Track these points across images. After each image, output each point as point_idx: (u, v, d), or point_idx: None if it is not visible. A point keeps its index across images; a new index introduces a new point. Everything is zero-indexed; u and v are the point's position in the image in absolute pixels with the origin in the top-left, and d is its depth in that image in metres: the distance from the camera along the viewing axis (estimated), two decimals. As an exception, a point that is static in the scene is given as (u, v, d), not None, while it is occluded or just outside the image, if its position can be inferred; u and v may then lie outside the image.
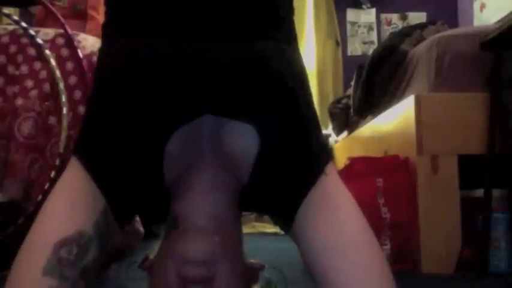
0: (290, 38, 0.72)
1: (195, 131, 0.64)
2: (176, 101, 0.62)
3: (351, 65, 3.49)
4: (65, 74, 1.36)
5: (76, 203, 0.60)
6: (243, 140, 0.63)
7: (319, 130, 0.68)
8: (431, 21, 2.28)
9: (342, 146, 3.08)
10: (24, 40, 1.39)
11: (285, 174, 0.63)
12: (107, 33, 0.70)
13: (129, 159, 0.62)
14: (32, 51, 1.37)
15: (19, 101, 1.32)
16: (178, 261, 0.63)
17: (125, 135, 0.62)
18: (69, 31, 1.41)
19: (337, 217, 0.61)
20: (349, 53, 4.23)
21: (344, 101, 3.09)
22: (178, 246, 0.63)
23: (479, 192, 1.64)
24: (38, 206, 0.63)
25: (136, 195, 0.64)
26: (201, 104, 0.63)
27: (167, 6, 0.64)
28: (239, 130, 0.63)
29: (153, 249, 0.71)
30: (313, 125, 0.66)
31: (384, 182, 1.70)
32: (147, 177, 0.63)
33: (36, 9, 2.06)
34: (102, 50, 0.70)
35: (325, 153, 0.67)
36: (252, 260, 0.74)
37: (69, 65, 1.38)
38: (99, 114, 0.64)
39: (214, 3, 0.65)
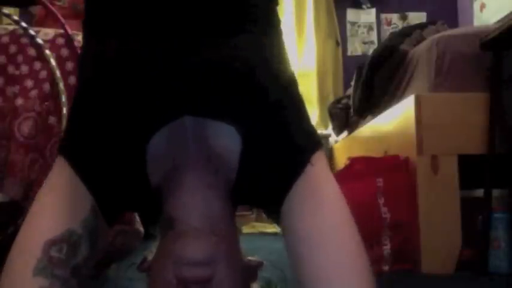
0: (268, 28, 0.70)
1: (177, 131, 0.64)
2: (155, 102, 0.62)
3: (351, 65, 3.50)
4: (65, 74, 1.36)
5: (64, 202, 0.60)
6: (226, 140, 0.63)
7: (306, 120, 0.67)
8: (431, 21, 2.28)
9: (342, 146, 3.08)
10: (24, 40, 1.39)
11: (269, 167, 0.62)
12: (87, 31, 0.70)
13: (112, 158, 0.62)
14: (32, 51, 1.37)
15: (19, 101, 1.32)
16: (176, 262, 0.62)
17: (107, 135, 0.62)
18: (69, 31, 1.41)
19: (320, 210, 0.61)
20: (349, 53, 4.23)
21: (344, 101, 3.09)
22: (175, 247, 0.63)
23: (479, 192, 1.64)
24: (38, 206, 0.63)
25: (123, 193, 0.64)
26: (180, 105, 0.62)
27: (143, 5, 0.64)
28: (220, 130, 0.63)
29: (151, 250, 0.71)
30: (296, 116, 0.66)
31: (384, 182, 1.70)
32: (130, 176, 0.63)
33: (36, 9, 2.06)
34: (83, 47, 0.70)
35: (312, 143, 0.65)
36: (250, 258, 0.74)
37: (69, 65, 1.38)
38: (82, 113, 0.64)
39: (186, 1, 0.64)
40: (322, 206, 0.61)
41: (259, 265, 0.74)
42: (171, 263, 0.63)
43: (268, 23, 0.71)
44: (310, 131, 0.66)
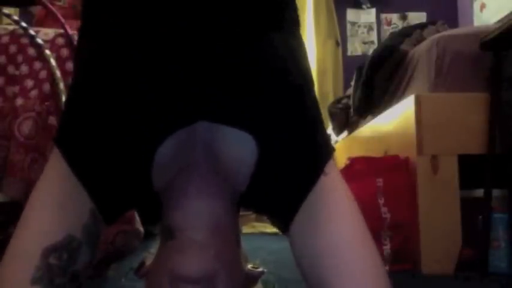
0: (294, 26, 0.67)
1: (188, 137, 0.60)
2: (169, 105, 0.57)
3: (351, 65, 3.50)
4: (65, 74, 1.36)
5: (62, 205, 0.56)
6: (239, 149, 0.59)
7: (322, 127, 0.64)
8: (431, 21, 2.28)
9: (342, 146, 3.08)
10: (24, 40, 1.38)
11: (285, 178, 0.60)
12: (90, 12, 0.63)
13: (116, 161, 0.58)
14: (32, 51, 1.37)
15: (19, 101, 1.31)
16: (172, 277, 0.60)
17: (113, 137, 0.57)
18: (69, 31, 1.41)
19: (334, 222, 0.59)
20: (349, 53, 4.23)
21: (344, 101, 3.09)
22: (173, 261, 0.61)
23: (479, 192, 1.64)
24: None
25: (124, 196, 0.61)
26: (195, 110, 0.58)
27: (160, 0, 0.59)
28: (235, 139, 0.59)
29: (150, 253, 0.70)
30: (316, 124, 0.63)
31: (384, 182, 1.70)
32: (134, 180, 0.59)
33: (36, 9, 2.06)
34: (83, 32, 0.63)
35: (326, 151, 0.62)
36: (250, 266, 0.72)
37: (69, 65, 1.38)
38: (83, 109, 0.58)
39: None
40: (337, 220, 0.59)
41: (259, 275, 0.73)
42: (168, 278, 0.61)
43: (293, 20, 0.67)
44: (326, 137, 0.64)
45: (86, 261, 0.57)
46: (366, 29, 4.24)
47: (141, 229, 1.45)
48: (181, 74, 0.58)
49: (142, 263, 0.71)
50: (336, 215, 0.60)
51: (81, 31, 0.65)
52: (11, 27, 1.44)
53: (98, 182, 0.58)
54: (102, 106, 0.57)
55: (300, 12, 0.71)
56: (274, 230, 3.04)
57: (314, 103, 0.64)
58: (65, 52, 1.39)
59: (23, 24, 1.41)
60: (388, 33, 3.07)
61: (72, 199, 0.57)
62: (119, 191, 0.59)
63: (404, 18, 4.19)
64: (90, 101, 0.58)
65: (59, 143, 0.59)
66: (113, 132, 0.57)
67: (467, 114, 1.67)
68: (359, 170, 1.78)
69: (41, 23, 1.88)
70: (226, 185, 0.64)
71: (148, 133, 0.57)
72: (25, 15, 2.10)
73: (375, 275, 0.58)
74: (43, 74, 1.35)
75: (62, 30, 1.42)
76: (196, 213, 0.63)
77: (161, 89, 0.57)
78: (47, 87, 1.34)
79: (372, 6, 4.22)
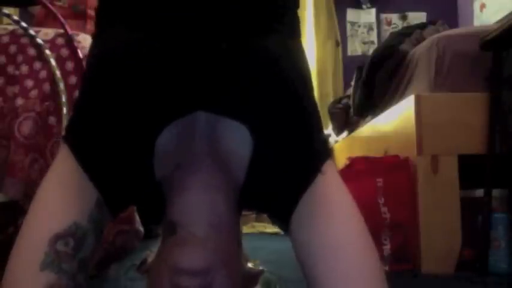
0: (294, 31, 0.69)
1: (188, 127, 0.62)
2: (168, 95, 0.60)
3: (351, 65, 3.50)
4: (65, 74, 1.36)
5: (69, 194, 0.59)
6: (237, 140, 0.61)
7: (320, 128, 0.65)
8: (431, 21, 2.28)
9: (342, 146, 3.08)
10: (24, 40, 1.39)
11: (281, 175, 0.61)
12: (101, 17, 0.67)
13: (119, 150, 0.60)
14: (32, 51, 1.37)
15: (19, 101, 1.32)
16: (173, 270, 0.61)
17: (115, 126, 0.60)
18: (69, 31, 1.41)
19: (331, 221, 0.59)
20: (349, 53, 4.23)
21: (344, 101, 3.09)
22: (173, 255, 0.62)
23: (479, 192, 1.64)
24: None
25: (127, 186, 0.62)
26: (194, 100, 0.60)
27: None
28: (232, 130, 0.61)
29: (152, 251, 0.70)
30: (313, 123, 0.64)
31: (384, 182, 1.70)
32: (136, 170, 0.61)
33: (36, 9, 2.06)
34: (95, 35, 0.67)
35: (324, 151, 0.64)
36: (251, 265, 0.73)
37: (69, 65, 1.38)
38: (90, 103, 0.62)
39: None
40: (333, 217, 0.60)
41: (259, 273, 0.74)
42: (169, 272, 0.61)
43: (293, 25, 0.69)
44: (323, 138, 0.65)
45: (92, 249, 0.59)
46: (366, 29, 4.24)
47: (141, 229, 1.45)
48: (181, 66, 0.60)
49: (144, 260, 0.72)
50: (333, 215, 0.60)
51: (93, 34, 0.69)
52: (11, 27, 1.44)
53: (102, 173, 0.60)
54: (104, 99, 0.60)
55: (300, 13, 0.72)
56: (274, 229, 3.05)
57: (311, 103, 0.65)
58: (65, 52, 1.39)
59: (23, 24, 1.41)
60: (388, 33, 3.07)
61: (78, 190, 0.59)
62: (123, 181, 0.62)
63: (404, 18, 4.19)
64: (93, 97, 0.62)
65: (65, 137, 0.63)
66: (115, 124, 0.60)
67: (467, 114, 1.67)
68: (359, 170, 1.78)
69: (41, 23, 1.88)
70: (226, 179, 0.64)
71: (148, 122, 0.60)
72: (25, 15, 2.10)
73: (372, 279, 0.58)
74: (43, 74, 1.35)
75: (62, 30, 1.42)
76: (197, 207, 0.64)
77: (161, 80, 0.59)
78: (47, 87, 1.34)
79: (372, 6, 4.22)
